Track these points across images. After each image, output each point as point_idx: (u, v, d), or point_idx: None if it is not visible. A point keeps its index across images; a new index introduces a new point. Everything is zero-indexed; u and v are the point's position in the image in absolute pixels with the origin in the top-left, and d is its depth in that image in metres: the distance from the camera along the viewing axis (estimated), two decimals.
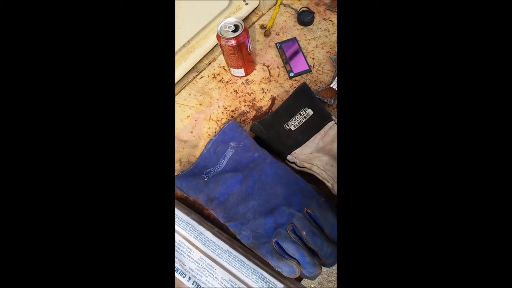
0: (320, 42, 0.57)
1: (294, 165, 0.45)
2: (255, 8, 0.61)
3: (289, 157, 0.46)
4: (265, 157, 0.42)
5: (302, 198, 0.38)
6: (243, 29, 0.47)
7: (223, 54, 0.52)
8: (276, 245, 0.36)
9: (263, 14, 0.62)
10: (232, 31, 0.47)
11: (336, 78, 0.49)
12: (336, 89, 0.49)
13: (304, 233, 0.36)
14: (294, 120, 0.47)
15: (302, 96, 0.48)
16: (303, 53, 0.56)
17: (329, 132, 0.46)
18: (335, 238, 0.37)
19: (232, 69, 0.54)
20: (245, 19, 0.61)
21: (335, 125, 0.47)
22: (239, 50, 0.49)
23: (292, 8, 0.63)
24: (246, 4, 0.57)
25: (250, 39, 0.50)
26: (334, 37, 0.57)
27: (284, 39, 0.59)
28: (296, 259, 0.35)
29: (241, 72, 0.54)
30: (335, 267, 1.19)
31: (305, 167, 0.44)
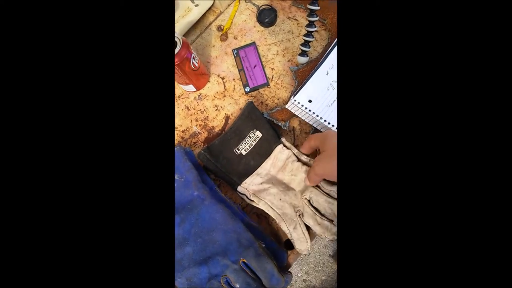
0: (282, 48, 0.50)
1: (244, 197, 0.42)
2: (212, 6, 0.54)
3: (239, 188, 0.42)
4: (204, 198, 0.39)
5: (239, 248, 0.35)
6: (181, 45, 0.41)
7: None
8: None
9: (221, 13, 0.55)
10: None
11: (293, 96, 0.43)
12: (291, 110, 0.44)
13: (238, 285, 0.34)
14: (245, 143, 0.43)
15: (249, 116, 0.44)
16: (261, 63, 0.50)
17: (279, 157, 0.42)
18: (274, 286, 0.35)
19: (181, 85, 0.49)
20: (200, 20, 0.54)
21: (284, 148, 0.42)
22: (181, 68, 0.43)
23: (254, 4, 0.54)
24: (196, 5, 0.49)
25: (193, 54, 0.44)
26: (297, 41, 0.50)
27: (243, 43, 0.52)
28: None
29: (190, 87, 0.49)
30: (325, 258, 1.20)
31: (254, 201, 0.41)
